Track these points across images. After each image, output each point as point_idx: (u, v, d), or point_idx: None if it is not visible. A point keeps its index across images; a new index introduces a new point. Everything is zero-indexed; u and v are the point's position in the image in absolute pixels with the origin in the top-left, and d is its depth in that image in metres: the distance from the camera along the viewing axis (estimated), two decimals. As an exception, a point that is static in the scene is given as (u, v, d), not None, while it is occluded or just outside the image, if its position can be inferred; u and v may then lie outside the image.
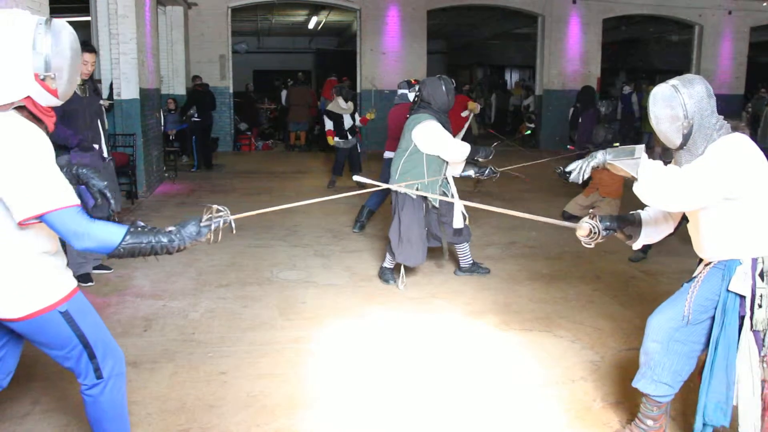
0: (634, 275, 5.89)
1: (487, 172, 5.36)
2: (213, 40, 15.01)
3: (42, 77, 2.13)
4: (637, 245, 3.12)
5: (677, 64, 19.35)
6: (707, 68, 17.24)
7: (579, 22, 16.53)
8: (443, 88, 5.20)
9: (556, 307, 5.00)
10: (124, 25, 8.89)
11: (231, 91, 15.50)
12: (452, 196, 5.40)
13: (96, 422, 2.52)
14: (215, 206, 2.38)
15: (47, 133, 2.23)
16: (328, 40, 24.08)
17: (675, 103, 2.67)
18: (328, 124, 10.05)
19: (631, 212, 3.14)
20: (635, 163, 2.68)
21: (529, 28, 18.55)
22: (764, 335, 2.66)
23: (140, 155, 9.07)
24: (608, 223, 2.99)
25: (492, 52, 24.29)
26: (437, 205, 5.27)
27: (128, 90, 9.03)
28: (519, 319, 4.74)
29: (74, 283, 2.40)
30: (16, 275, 2.23)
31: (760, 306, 2.62)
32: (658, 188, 2.62)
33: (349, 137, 10.08)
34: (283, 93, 17.35)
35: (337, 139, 10.03)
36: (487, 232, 7.39)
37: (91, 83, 5.35)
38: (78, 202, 2.15)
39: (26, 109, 2.17)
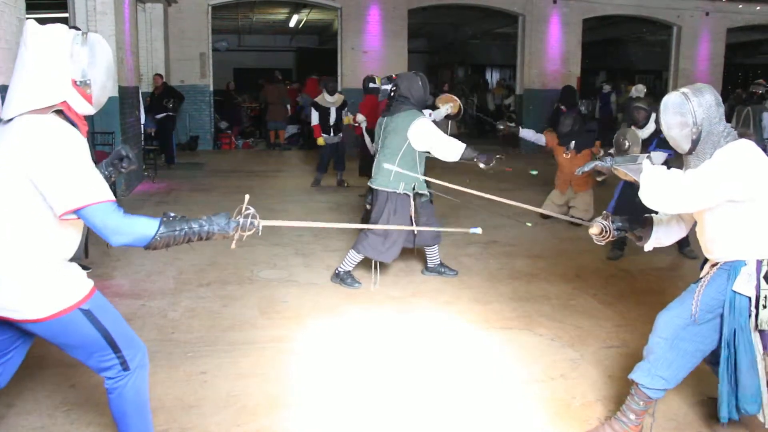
0: (613, 273, 5.93)
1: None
2: (193, 37, 14.85)
3: (78, 83, 2.29)
4: (648, 247, 3.22)
5: (656, 64, 19.54)
6: (685, 69, 17.43)
7: (559, 21, 16.61)
8: (420, 83, 5.21)
9: (537, 305, 5.02)
10: (102, 23, 8.79)
11: (211, 89, 15.38)
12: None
13: (121, 416, 2.57)
14: (246, 202, 2.46)
15: None
16: (309, 39, 23.99)
17: (684, 110, 2.77)
18: (314, 118, 9.96)
19: (645, 215, 3.21)
20: (638, 169, 2.84)
21: (510, 28, 18.59)
22: None
23: (119, 154, 8.95)
24: (620, 224, 3.15)
25: (473, 51, 24.31)
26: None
27: (107, 88, 8.91)
28: (499, 317, 4.76)
29: (91, 282, 2.45)
30: (39, 277, 2.28)
31: (764, 306, 2.70)
32: (660, 191, 2.75)
33: (332, 134, 9.98)
34: (266, 92, 17.30)
35: (324, 135, 9.95)
36: (468, 230, 7.40)
37: None
38: (113, 198, 2.25)
39: (63, 114, 2.28)
